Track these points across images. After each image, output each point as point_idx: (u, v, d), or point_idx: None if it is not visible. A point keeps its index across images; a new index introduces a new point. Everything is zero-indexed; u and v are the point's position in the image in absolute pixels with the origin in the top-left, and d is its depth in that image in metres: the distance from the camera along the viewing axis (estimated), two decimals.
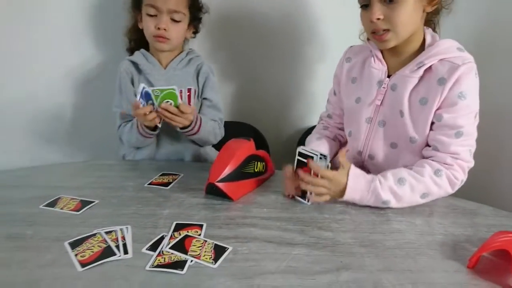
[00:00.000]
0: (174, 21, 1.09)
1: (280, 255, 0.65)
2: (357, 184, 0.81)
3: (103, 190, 0.89)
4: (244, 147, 0.92)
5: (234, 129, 1.22)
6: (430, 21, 0.91)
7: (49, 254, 0.64)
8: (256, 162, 0.94)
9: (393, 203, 0.82)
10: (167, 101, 0.95)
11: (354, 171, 0.82)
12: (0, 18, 1.28)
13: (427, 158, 0.86)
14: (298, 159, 0.85)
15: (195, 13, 1.16)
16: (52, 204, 0.82)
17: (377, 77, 0.91)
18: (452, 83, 0.80)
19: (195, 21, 1.18)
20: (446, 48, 0.83)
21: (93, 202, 0.83)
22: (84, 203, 0.82)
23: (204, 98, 1.18)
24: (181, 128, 1.04)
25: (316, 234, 0.73)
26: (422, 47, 0.87)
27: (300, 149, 0.85)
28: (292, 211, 0.82)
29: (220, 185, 0.85)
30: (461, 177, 0.84)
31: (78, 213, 0.79)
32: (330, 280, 0.59)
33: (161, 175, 0.99)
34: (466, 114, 0.82)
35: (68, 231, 0.71)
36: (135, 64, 1.15)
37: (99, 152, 1.42)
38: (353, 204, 0.84)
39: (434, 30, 0.92)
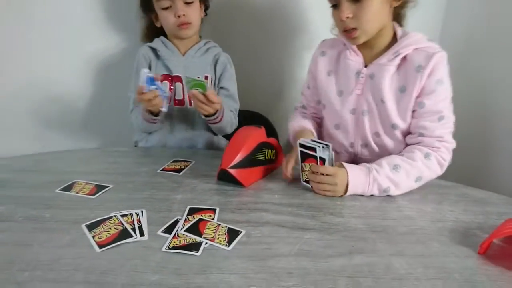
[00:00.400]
0: (188, 3, 1.10)
1: (293, 239, 0.66)
2: (356, 177, 0.83)
3: (117, 176, 0.91)
4: (255, 135, 0.93)
5: (245, 118, 1.23)
6: (398, 14, 0.94)
7: (68, 235, 0.65)
8: (267, 150, 0.95)
9: (393, 190, 0.84)
10: (196, 89, 0.95)
11: (348, 165, 0.85)
12: (19, 5, 1.29)
13: (414, 144, 0.90)
14: (301, 151, 0.85)
15: None
16: (68, 188, 0.84)
17: (355, 68, 0.94)
18: (429, 70, 0.85)
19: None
20: (417, 39, 0.88)
21: (108, 186, 0.85)
22: (99, 188, 0.84)
23: (221, 87, 1.19)
24: (206, 116, 1.05)
25: (328, 219, 0.74)
26: (393, 40, 0.91)
27: (301, 141, 0.85)
28: (303, 197, 0.83)
29: (232, 171, 0.86)
30: (448, 158, 0.88)
31: (93, 197, 0.80)
32: (343, 263, 0.60)
33: (173, 162, 1.00)
34: (444, 99, 0.87)
35: (85, 214, 0.73)
36: (154, 50, 1.16)
37: (111, 140, 1.43)
38: None
39: (400, 23, 0.95)
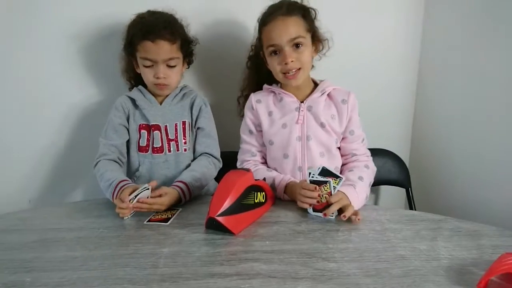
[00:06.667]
0: (170, 66, 1.13)
1: None
2: (352, 195, 0.96)
3: (102, 231, 0.88)
4: (243, 179, 0.92)
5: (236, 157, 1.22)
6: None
7: None
8: (255, 193, 0.94)
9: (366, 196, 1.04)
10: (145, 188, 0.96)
11: (344, 189, 0.96)
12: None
13: (351, 162, 1.12)
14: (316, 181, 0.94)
15: (187, 49, 1.19)
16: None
17: (293, 105, 1.12)
18: (351, 105, 1.10)
19: (188, 57, 1.21)
20: (330, 84, 1.13)
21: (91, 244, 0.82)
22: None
23: (198, 128, 1.20)
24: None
25: (320, 266, 0.71)
26: (314, 85, 1.15)
27: (313, 177, 0.94)
28: (294, 242, 0.81)
29: (220, 219, 0.84)
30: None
31: (76, 256, 0.77)
32: None
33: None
34: (360, 126, 1.14)
35: (68, 276, 0.69)
36: (132, 100, 1.18)
37: (98, 190, 1.41)
38: (356, 232, 0.84)
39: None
